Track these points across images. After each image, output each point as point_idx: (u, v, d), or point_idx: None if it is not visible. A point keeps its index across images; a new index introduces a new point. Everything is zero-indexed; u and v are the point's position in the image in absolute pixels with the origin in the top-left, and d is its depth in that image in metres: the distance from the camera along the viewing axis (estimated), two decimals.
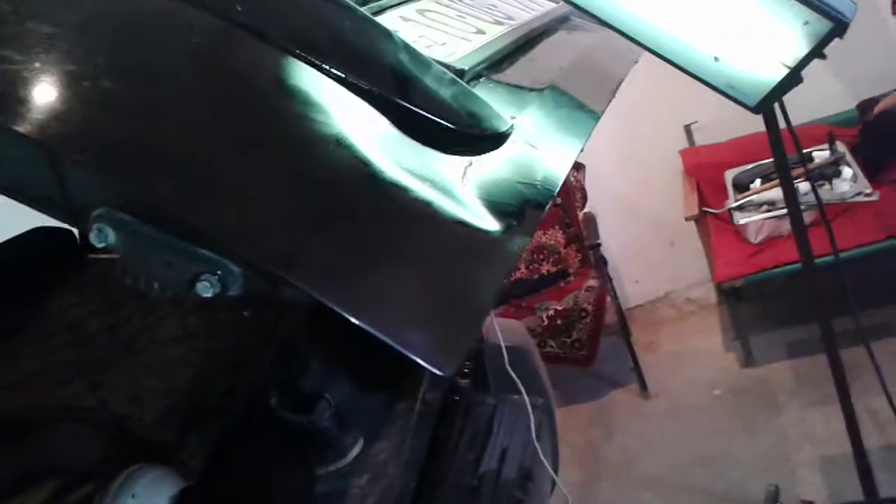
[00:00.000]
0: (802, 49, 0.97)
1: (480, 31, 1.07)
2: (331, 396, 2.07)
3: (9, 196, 1.07)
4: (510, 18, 1.19)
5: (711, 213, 3.48)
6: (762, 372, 3.30)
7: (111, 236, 0.53)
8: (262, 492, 1.75)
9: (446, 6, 1.15)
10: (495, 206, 0.67)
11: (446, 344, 0.52)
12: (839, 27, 0.93)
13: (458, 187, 0.66)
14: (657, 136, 3.81)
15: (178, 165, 0.52)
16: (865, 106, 3.45)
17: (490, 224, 0.64)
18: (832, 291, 2.34)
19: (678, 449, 3.05)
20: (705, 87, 1.12)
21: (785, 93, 1.04)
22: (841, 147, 3.18)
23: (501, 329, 2.18)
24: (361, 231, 0.56)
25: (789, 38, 0.97)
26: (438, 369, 0.50)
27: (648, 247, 4.05)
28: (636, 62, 1.36)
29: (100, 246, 0.53)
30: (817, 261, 2.57)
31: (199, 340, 1.48)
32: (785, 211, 2.55)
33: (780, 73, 1.01)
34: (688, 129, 3.77)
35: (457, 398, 1.58)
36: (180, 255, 0.53)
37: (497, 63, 0.99)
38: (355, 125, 0.68)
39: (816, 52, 0.97)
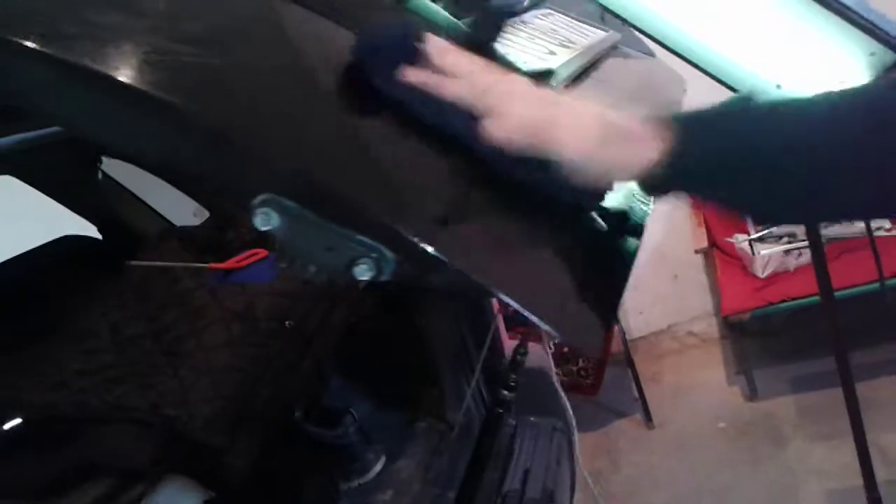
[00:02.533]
0: (865, 79, 1.02)
1: (552, 52, 1.11)
2: (355, 413, 2.08)
3: (183, 180, 1.08)
4: (573, 42, 1.24)
5: (730, 242, 3.50)
6: (766, 406, 3.33)
7: (275, 220, 0.56)
8: None
9: (516, 29, 1.19)
10: (608, 213, 0.71)
11: (590, 327, 0.56)
12: None
13: None
14: None
15: (347, 156, 0.55)
16: None
17: (608, 228, 0.68)
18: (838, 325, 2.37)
19: (684, 480, 3.07)
20: None
21: None
22: None
23: None
24: (512, 229, 0.59)
25: (853, 68, 1.02)
26: (588, 350, 0.53)
27: (652, 279, 4.09)
28: (685, 91, 1.41)
29: (263, 229, 0.56)
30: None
31: (244, 347, 1.50)
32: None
33: None
34: None
35: (501, 411, 1.60)
36: (342, 240, 0.55)
37: (575, 81, 1.04)
38: None
39: None
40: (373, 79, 0.61)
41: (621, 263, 0.65)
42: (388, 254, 0.56)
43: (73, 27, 0.53)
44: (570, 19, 1.44)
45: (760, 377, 3.43)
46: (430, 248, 0.52)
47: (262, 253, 1.84)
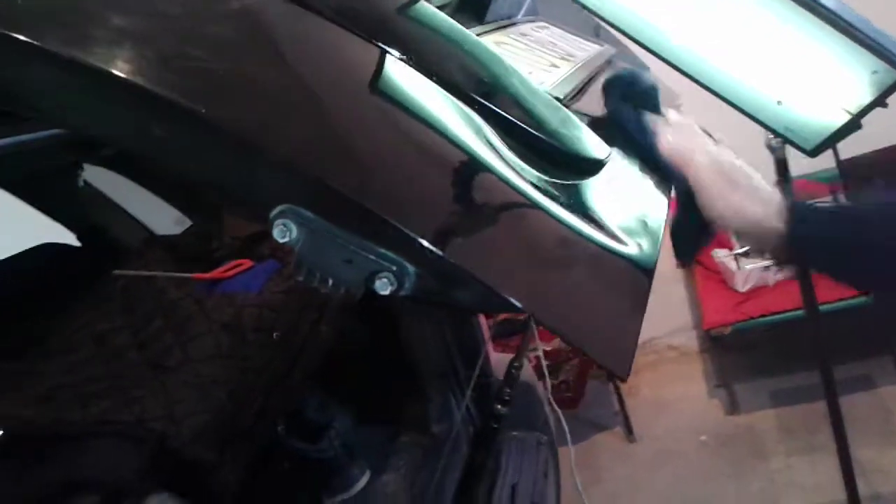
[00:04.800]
0: (867, 97, 1.02)
1: (554, 65, 1.11)
2: (338, 427, 2.05)
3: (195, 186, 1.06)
4: (572, 56, 1.23)
5: (711, 257, 3.52)
6: (747, 419, 3.34)
7: (293, 232, 0.54)
8: None
9: (516, 40, 1.18)
10: (622, 228, 0.70)
11: (618, 348, 0.54)
12: None
13: (601, 211, 0.68)
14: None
15: (369, 165, 0.54)
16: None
17: (624, 242, 0.67)
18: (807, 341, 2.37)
19: (666, 494, 3.07)
20: None
21: (842, 139, 1.09)
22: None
23: (506, 365, 2.20)
24: (538, 246, 0.58)
25: (855, 85, 1.02)
26: (618, 372, 0.52)
27: None
28: (679, 106, 1.41)
29: (282, 241, 0.54)
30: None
31: (232, 360, 1.46)
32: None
33: (840, 119, 1.06)
34: None
35: (496, 426, 1.58)
36: (362, 253, 0.54)
37: (577, 95, 1.03)
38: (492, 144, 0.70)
39: (880, 101, 1.02)
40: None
41: (640, 282, 0.64)
42: (410, 267, 0.55)
43: (87, 28, 0.52)
44: (565, 32, 1.44)
45: (741, 391, 3.45)
46: (454, 260, 0.51)
47: (248, 263, 1.81)
